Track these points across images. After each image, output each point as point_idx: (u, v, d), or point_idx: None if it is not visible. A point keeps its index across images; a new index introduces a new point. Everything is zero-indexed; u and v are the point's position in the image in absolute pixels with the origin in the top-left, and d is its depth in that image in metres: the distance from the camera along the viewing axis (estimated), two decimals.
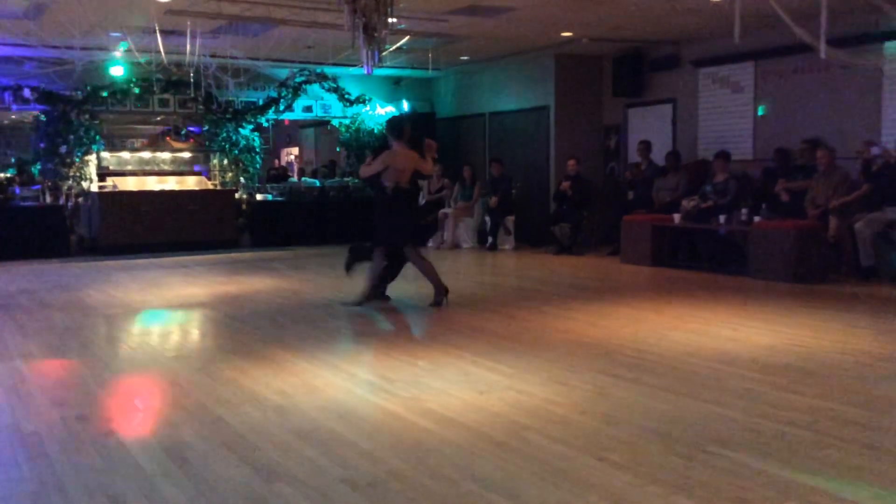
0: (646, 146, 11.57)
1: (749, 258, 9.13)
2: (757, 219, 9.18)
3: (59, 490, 3.25)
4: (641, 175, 11.44)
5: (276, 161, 18.65)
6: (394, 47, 10.26)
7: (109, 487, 3.27)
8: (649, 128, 12.30)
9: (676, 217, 9.97)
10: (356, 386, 4.77)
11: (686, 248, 10.36)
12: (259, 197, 13.68)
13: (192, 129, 13.67)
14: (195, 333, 6.96)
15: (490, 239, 12.62)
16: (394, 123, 7.79)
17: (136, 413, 4.54)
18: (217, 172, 13.66)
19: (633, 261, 10.32)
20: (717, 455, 3.51)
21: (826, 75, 9.91)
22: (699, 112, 11.62)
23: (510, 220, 12.72)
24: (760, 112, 10.77)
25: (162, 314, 7.56)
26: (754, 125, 10.90)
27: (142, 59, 10.60)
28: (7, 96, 12.04)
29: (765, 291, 8.15)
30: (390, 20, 7.31)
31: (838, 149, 9.37)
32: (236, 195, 13.32)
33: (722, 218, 9.47)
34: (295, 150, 20.26)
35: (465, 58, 13.22)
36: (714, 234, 9.79)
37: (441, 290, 7.45)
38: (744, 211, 9.31)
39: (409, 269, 7.74)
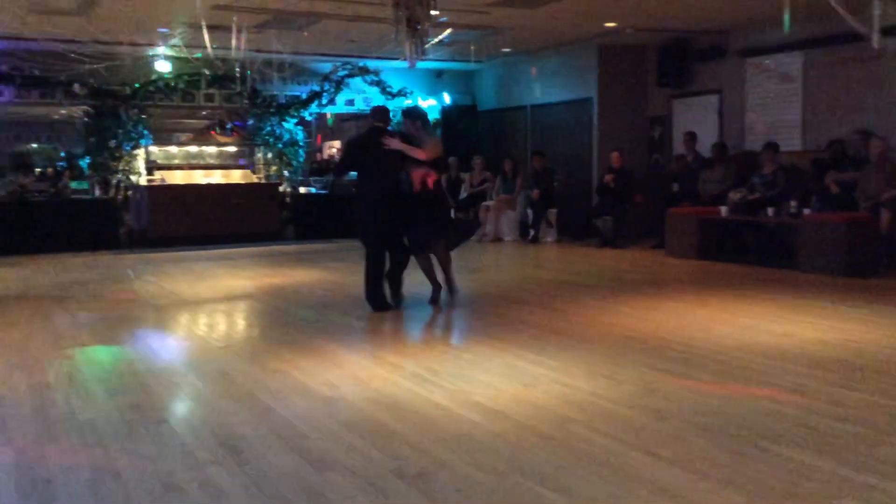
0: (691, 137, 11.42)
1: (798, 252, 8.96)
2: (806, 211, 9.00)
3: (115, 477, 3.32)
4: (687, 167, 11.29)
5: (319, 154, 18.78)
6: (436, 40, 10.25)
7: (164, 475, 3.34)
8: (694, 119, 12.13)
9: (723, 209, 9.83)
10: (402, 378, 4.80)
11: (733, 242, 10.21)
12: (302, 190, 13.80)
13: (236, 123, 13.84)
14: (243, 324, 7.06)
15: (532, 232, 12.57)
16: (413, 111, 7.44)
17: (187, 402, 4.62)
18: (261, 166, 13.82)
19: (679, 254, 10.20)
20: (768, 451, 3.47)
21: (877, 65, 9.67)
22: (746, 103, 11.43)
23: (552, 213, 12.66)
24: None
25: (210, 305, 7.68)
26: (803, 116, 10.69)
27: (189, 54, 10.75)
28: (58, 92, 12.29)
29: (815, 285, 8.00)
30: (433, 13, 7.31)
31: (890, 140, 9.15)
32: (280, 188, 13.46)
33: (770, 210, 9.31)
34: (337, 144, 20.37)
35: (507, 50, 13.16)
36: (762, 227, 9.63)
37: (436, 292, 7.14)
38: (793, 203, 9.14)
39: (455, 261, 7.65)
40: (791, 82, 10.80)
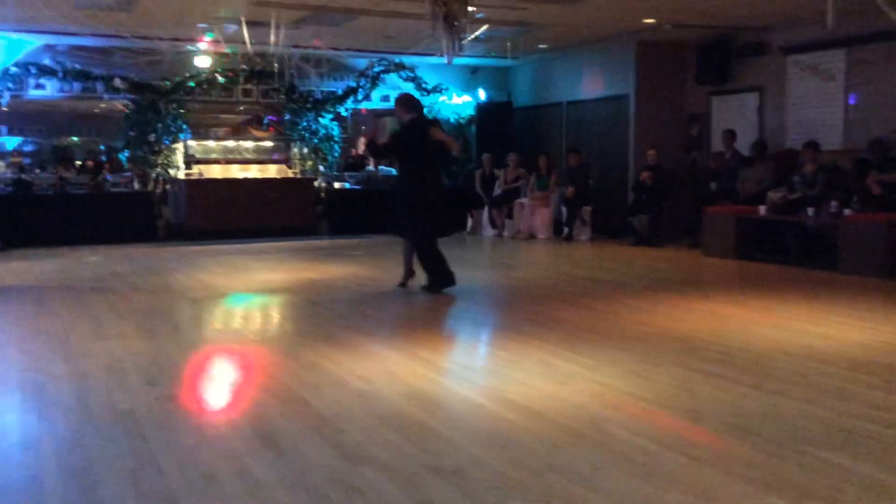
0: (730, 135, 11.28)
1: (839, 252, 8.81)
2: (847, 212, 8.85)
3: (155, 466, 3.37)
4: (725, 165, 11.15)
5: (354, 150, 18.87)
6: (473, 36, 10.23)
7: (202, 465, 3.38)
8: (734, 116, 11.98)
9: (762, 209, 9.69)
10: (436, 374, 4.81)
11: (772, 241, 10.06)
12: (337, 185, 13.87)
13: (273, 118, 13.96)
14: (278, 318, 7.13)
15: (566, 229, 12.51)
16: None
17: (224, 394, 4.68)
18: (297, 161, 13.92)
19: (716, 253, 10.09)
20: (808, 454, 3.42)
21: None
22: (787, 101, 11.26)
23: (587, 211, 12.59)
24: (852, 101, 10.37)
25: (246, 298, 7.76)
26: (845, 115, 10.50)
27: (228, 49, 10.86)
28: (99, 86, 12.49)
29: (856, 287, 7.87)
30: (470, 9, 7.30)
31: None
32: (315, 183, 13.55)
33: (810, 210, 9.17)
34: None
35: (544, 46, 13.11)
36: (802, 228, 9.48)
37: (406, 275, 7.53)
38: (833, 203, 8.99)
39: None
40: (833, 80, 10.62)
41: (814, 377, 4.66)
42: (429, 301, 7.29)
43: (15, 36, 11.29)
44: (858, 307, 6.81)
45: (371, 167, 15.76)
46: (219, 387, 4.79)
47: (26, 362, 5.12)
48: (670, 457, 3.41)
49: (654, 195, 11.56)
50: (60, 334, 5.95)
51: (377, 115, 16.62)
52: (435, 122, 7.27)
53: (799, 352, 5.23)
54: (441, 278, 7.33)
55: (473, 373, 4.77)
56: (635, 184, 11.97)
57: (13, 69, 11.94)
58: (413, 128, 7.20)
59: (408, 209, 7.22)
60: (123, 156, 13.22)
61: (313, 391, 4.43)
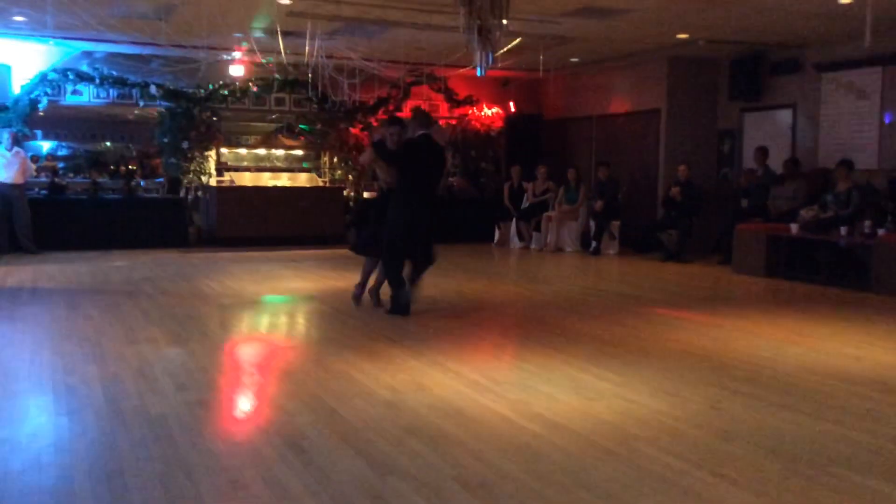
0: (763, 152, 11.18)
1: (872, 272, 8.70)
2: (881, 231, 8.74)
3: (184, 471, 3.40)
4: (757, 182, 11.06)
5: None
6: (506, 48, 10.25)
7: (231, 471, 3.41)
8: (766, 133, 11.88)
9: (794, 227, 9.59)
10: (464, 386, 4.80)
11: (803, 260, 9.94)
12: (366, 194, 13.93)
13: (304, 127, 14.06)
14: (307, 325, 7.16)
15: (594, 243, 12.46)
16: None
17: (254, 400, 4.71)
18: (327, 170, 14.01)
19: (746, 271, 9.99)
20: (839, 476, 3.37)
21: None
22: (821, 118, 11.14)
23: (615, 225, 12.53)
24: (888, 120, 10.25)
25: (275, 306, 7.81)
26: (880, 134, 10.37)
27: (263, 60, 10.97)
28: (134, 92, 12.68)
29: (888, 308, 7.75)
30: (504, 22, 7.32)
31: None
32: (344, 192, 13.63)
33: (843, 229, 9.05)
34: None
35: (575, 59, 13.10)
36: (834, 247, 9.37)
37: (359, 288, 7.38)
38: (867, 223, 8.88)
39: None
40: (868, 98, 10.50)
41: (846, 398, 4.59)
42: (455, 312, 7.29)
43: (54, 42, 11.50)
44: (891, 328, 6.71)
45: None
46: (248, 393, 4.82)
47: (58, 365, 5.19)
48: (699, 476, 3.38)
49: (683, 211, 11.49)
50: (92, 337, 6.02)
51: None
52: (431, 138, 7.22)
53: (831, 372, 5.17)
54: (395, 304, 7.02)
55: (501, 385, 4.76)
56: (665, 199, 11.91)
57: (52, 75, 12.16)
58: (420, 144, 7.16)
59: (393, 223, 6.93)
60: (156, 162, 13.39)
61: (341, 400, 4.45)
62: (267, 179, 13.57)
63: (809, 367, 5.30)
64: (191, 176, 13.02)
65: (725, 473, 3.40)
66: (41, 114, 12.77)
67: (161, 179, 13.06)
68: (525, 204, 13.41)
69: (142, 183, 12.98)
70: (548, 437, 3.86)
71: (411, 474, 3.37)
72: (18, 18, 10.02)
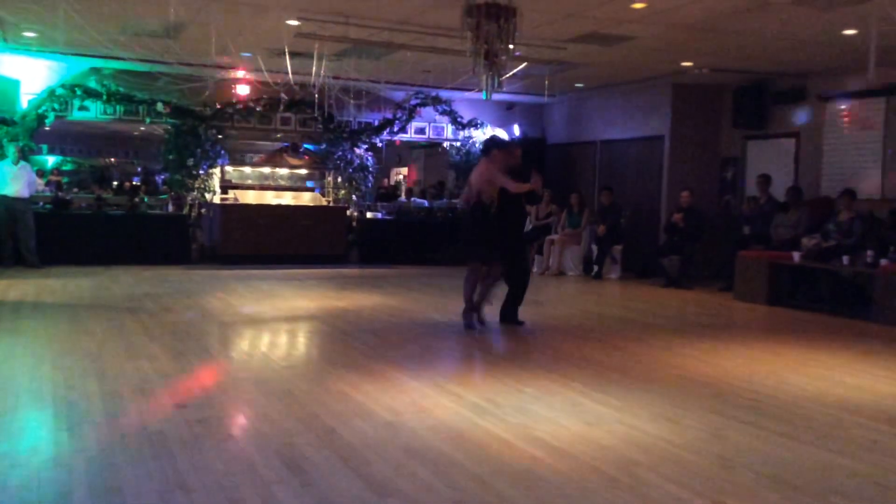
0: (765, 180, 11.22)
1: (873, 302, 8.69)
2: (884, 262, 8.74)
3: (183, 489, 3.39)
4: (759, 210, 11.09)
5: (386, 180, 19.03)
6: (512, 73, 10.32)
7: (229, 490, 3.39)
8: (769, 161, 11.92)
9: (796, 255, 9.60)
10: (464, 408, 4.79)
11: (805, 289, 9.95)
12: (369, 215, 13.98)
13: (308, 146, 14.15)
14: (307, 345, 7.16)
15: (596, 267, 12.47)
16: (485, 142, 8.26)
17: (252, 419, 4.69)
18: (330, 189, 14.07)
19: (748, 298, 9.99)
20: None
21: None
22: (824, 148, 11.19)
23: (617, 250, 12.54)
24: (891, 151, 10.28)
25: (275, 324, 7.81)
26: (883, 164, 10.41)
27: (271, 83, 11.05)
28: (141, 109, 12.75)
29: (890, 338, 7.74)
30: (510, 46, 7.37)
31: None
32: (347, 212, 13.67)
33: (845, 259, 9.06)
34: (404, 171, 20.62)
35: (580, 85, 13.18)
36: (836, 276, 9.37)
37: (469, 311, 7.44)
38: (869, 252, 8.88)
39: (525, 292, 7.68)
40: (871, 129, 10.54)
41: (847, 428, 4.58)
42: (457, 334, 7.29)
43: (63, 58, 11.59)
44: (892, 359, 6.70)
45: (403, 198, 15.87)
46: (247, 412, 4.81)
47: (59, 379, 5.19)
48: None
49: (685, 237, 11.50)
50: (93, 353, 6.02)
51: (410, 146, 16.73)
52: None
53: (832, 402, 5.15)
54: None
55: (501, 409, 4.75)
56: (667, 225, 11.93)
57: (59, 90, 12.24)
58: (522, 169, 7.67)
59: (505, 241, 7.45)
60: (160, 178, 13.44)
61: (341, 420, 4.44)
62: (271, 198, 13.62)
63: (810, 396, 5.29)
64: (195, 193, 13.07)
65: (726, 501, 3.39)
66: (47, 128, 12.84)
67: (165, 196, 13.11)
68: (528, 227, 13.42)
69: (145, 199, 13.02)
70: (548, 462, 3.85)
71: (410, 496, 3.36)
72: (29, 34, 10.10)
